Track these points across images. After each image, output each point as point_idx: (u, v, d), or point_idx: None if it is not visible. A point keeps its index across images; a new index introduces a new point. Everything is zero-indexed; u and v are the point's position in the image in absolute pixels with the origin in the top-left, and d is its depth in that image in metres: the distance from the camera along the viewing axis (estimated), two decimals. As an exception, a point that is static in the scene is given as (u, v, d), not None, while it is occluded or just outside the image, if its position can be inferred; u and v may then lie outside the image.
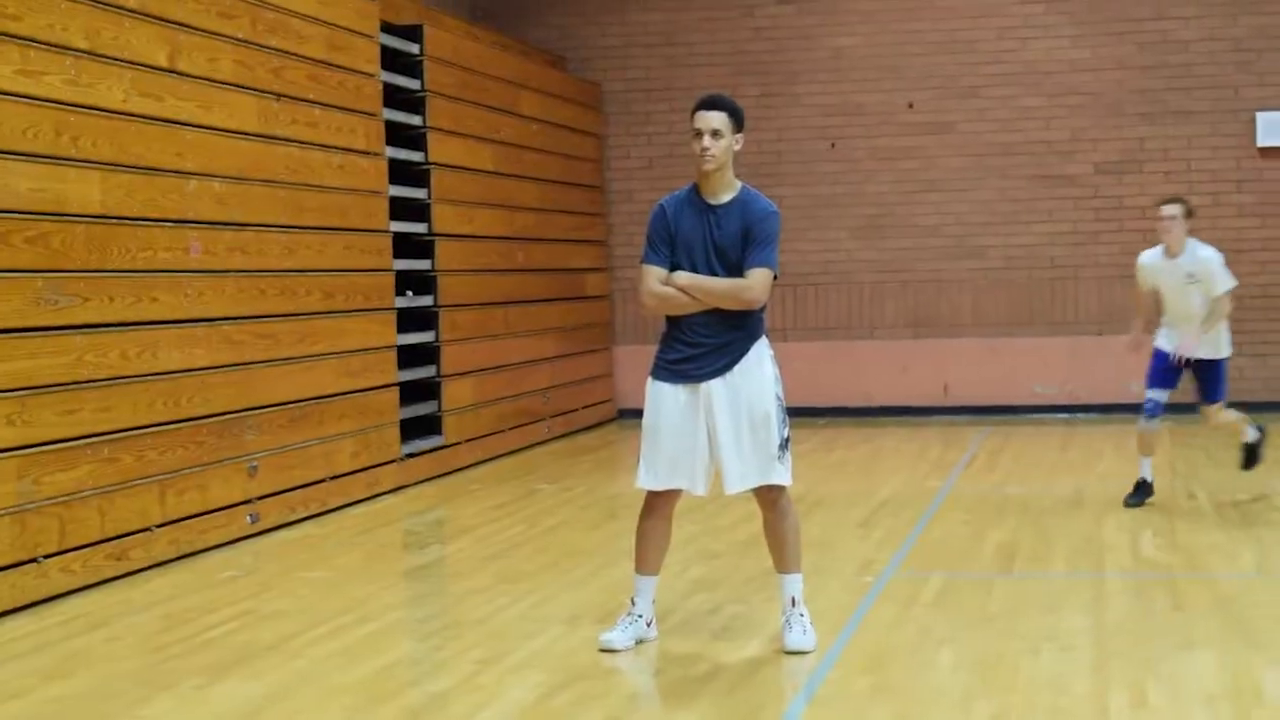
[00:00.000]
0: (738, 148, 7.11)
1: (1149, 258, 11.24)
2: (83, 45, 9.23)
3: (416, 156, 13.72)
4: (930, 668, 6.97)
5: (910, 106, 17.74)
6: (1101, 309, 17.40)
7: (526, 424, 15.85)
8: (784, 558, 7.27)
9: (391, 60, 13.37)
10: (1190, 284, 10.95)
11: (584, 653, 7.28)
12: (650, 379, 7.24)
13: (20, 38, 8.70)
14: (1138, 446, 11.48)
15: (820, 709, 6.43)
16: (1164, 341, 11.16)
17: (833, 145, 17.90)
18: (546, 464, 14.82)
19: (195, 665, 7.32)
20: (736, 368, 7.13)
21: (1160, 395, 11.20)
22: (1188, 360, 11.05)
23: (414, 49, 13.77)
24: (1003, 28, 17.62)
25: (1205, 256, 10.96)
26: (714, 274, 7.09)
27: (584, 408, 17.53)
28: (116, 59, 9.55)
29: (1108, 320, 17.36)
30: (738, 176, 7.22)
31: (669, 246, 7.15)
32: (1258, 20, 17.06)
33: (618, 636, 7.31)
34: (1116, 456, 14.49)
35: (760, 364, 7.17)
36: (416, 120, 13.75)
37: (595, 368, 18.02)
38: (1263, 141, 17.09)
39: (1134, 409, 17.06)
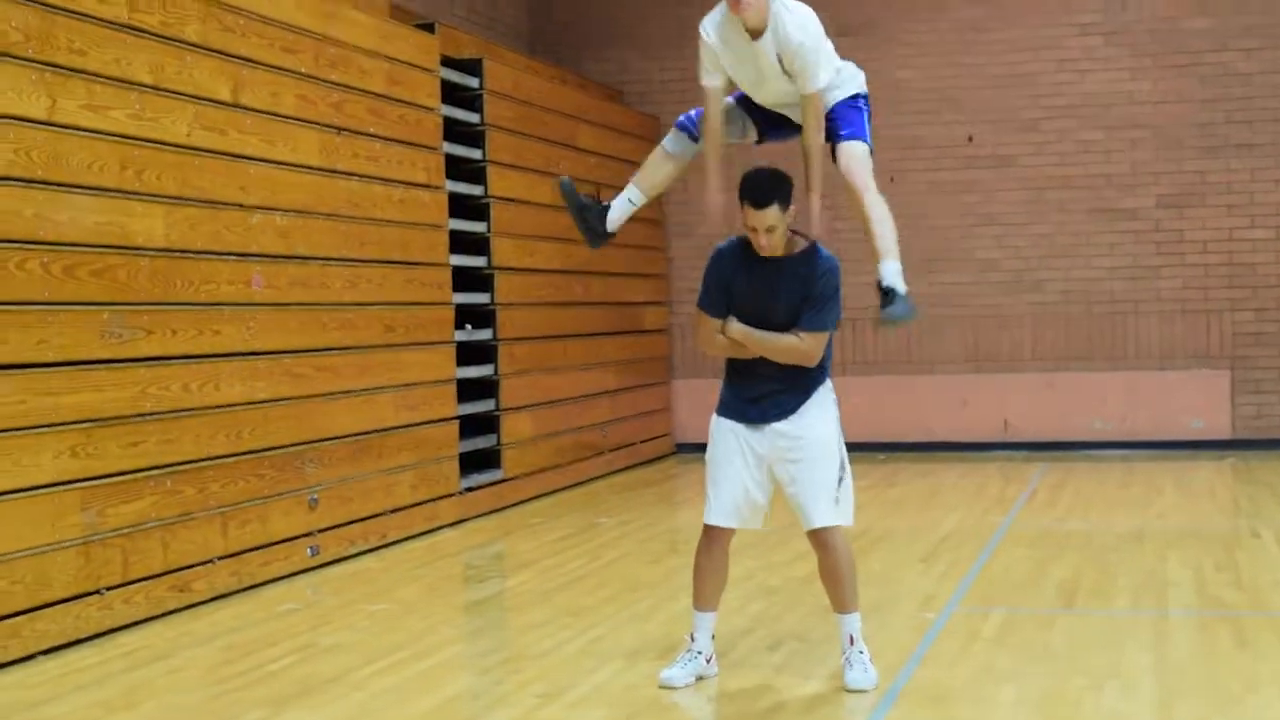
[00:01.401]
0: (791, 219, 7.10)
1: None
2: (147, 80, 9.33)
3: (476, 190, 13.78)
4: (992, 705, 6.93)
5: (970, 140, 17.71)
6: (1162, 344, 17.30)
7: (586, 458, 15.87)
8: (840, 598, 7.23)
9: (451, 94, 13.44)
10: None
11: (645, 688, 7.27)
12: (715, 415, 7.26)
13: (86, 73, 8.80)
14: None
15: (882, 746, 6.43)
16: None
17: (891, 179, 17.87)
18: (606, 497, 14.83)
19: (257, 698, 7.35)
20: (799, 410, 7.14)
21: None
22: None
23: (473, 83, 13.83)
24: (1062, 60, 17.58)
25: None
26: (769, 325, 7.08)
27: (643, 441, 17.53)
28: (180, 94, 9.64)
29: (1169, 355, 17.28)
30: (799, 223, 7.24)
31: (726, 295, 7.15)
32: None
33: (677, 673, 7.29)
34: (1177, 492, 14.43)
35: (823, 407, 7.19)
36: (476, 154, 13.80)
37: (654, 401, 18.03)
38: (1326, 177, 17.04)
39: (1194, 445, 17.11)
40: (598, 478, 16.06)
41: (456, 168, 13.43)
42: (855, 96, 7.50)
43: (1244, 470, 15.68)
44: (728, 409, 7.23)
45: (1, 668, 7.98)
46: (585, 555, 11.52)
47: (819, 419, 7.17)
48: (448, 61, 13.40)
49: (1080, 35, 17.53)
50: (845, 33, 17.87)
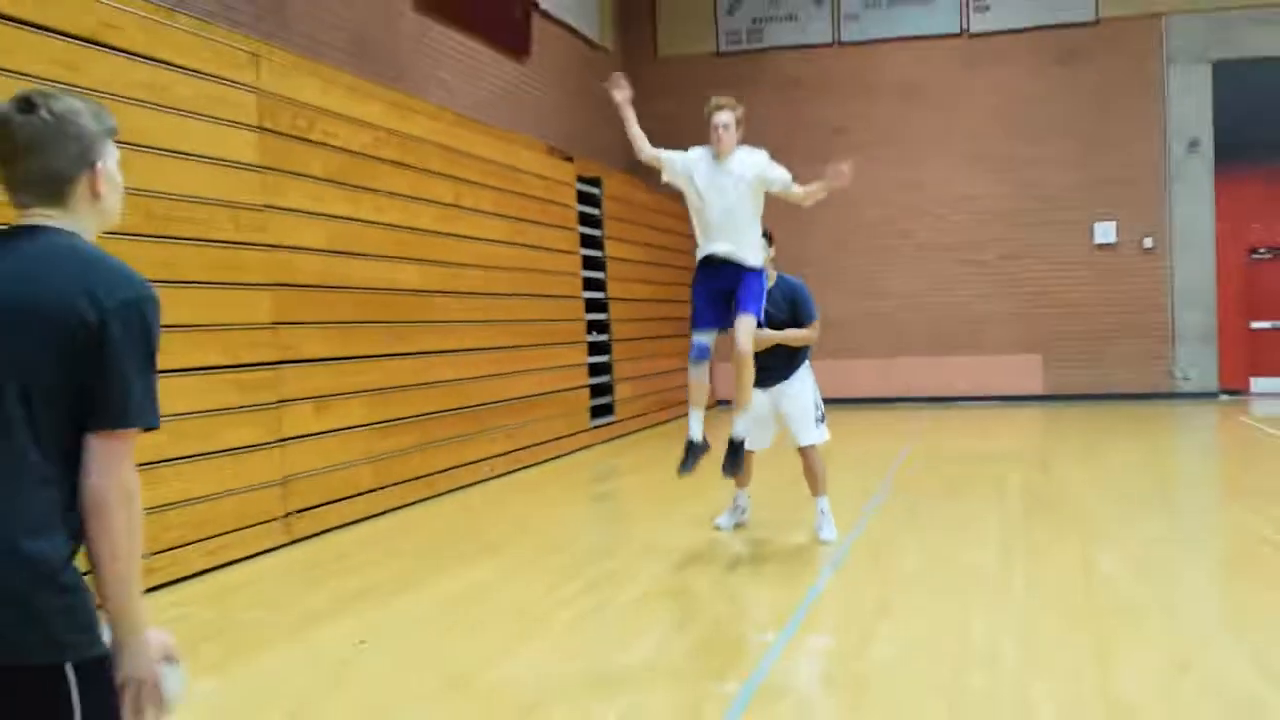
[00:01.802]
0: (773, 255, 7.08)
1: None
2: (407, 192, 9.39)
3: (598, 254, 13.73)
4: (904, 553, 6.89)
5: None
6: (1005, 339, 17.13)
7: (663, 408, 15.83)
8: (815, 486, 7.27)
9: (583, 197, 13.41)
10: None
11: (705, 533, 7.34)
12: None
13: (371, 189, 8.88)
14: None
15: (840, 574, 6.39)
16: None
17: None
18: (677, 432, 14.67)
19: (465, 550, 7.40)
20: (791, 377, 7.27)
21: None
22: None
23: (596, 191, 13.77)
24: (943, 172, 17.40)
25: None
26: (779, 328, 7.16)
27: (695, 399, 17.43)
28: (426, 199, 9.70)
29: (1007, 345, 17.11)
30: (781, 266, 7.27)
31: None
32: (1095, 171, 16.75)
33: (725, 520, 7.60)
34: (1011, 427, 14.25)
35: (805, 375, 7.32)
36: (597, 232, 13.75)
37: (701, 376, 17.90)
38: (1097, 241, 16.81)
39: (1022, 398, 16.87)
40: (671, 420, 16.02)
41: (587, 240, 13.40)
42: (760, 273, 6.41)
43: (1054, 414, 15.48)
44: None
45: (332, 530, 8.09)
46: (665, 467, 11.45)
47: (802, 382, 7.29)
48: (581, 178, 13.37)
49: (952, 157, 17.34)
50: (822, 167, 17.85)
